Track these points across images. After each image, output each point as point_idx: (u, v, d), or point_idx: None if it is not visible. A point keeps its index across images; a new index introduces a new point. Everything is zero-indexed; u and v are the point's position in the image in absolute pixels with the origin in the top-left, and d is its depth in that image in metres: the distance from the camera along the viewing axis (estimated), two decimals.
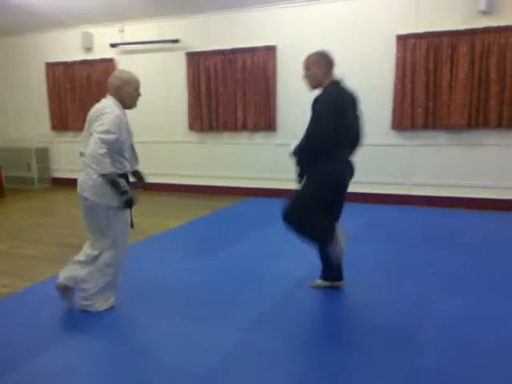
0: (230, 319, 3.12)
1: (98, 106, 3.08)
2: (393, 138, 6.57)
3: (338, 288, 3.53)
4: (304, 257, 3.95)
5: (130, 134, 3.26)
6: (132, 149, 3.45)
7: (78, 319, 3.16)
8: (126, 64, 8.13)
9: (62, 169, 9.10)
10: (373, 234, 5.22)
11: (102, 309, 3.23)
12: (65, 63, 8.55)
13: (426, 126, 6.33)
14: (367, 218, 5.92)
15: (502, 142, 6.03)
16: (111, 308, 3.28)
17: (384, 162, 6.59)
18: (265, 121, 7.23)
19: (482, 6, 5.76)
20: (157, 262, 4.34)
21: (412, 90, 6.30)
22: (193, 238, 5.36)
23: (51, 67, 8.70)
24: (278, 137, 7.27)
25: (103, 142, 2.85)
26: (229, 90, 7.35)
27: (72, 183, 10.33)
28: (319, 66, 3.28)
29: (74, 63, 8.47)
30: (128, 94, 3.12)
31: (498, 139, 6.04)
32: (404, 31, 6.24)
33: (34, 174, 8.92)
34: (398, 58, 6.33)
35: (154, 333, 2.99)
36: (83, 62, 8.39)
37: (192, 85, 7.62)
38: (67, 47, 8.52)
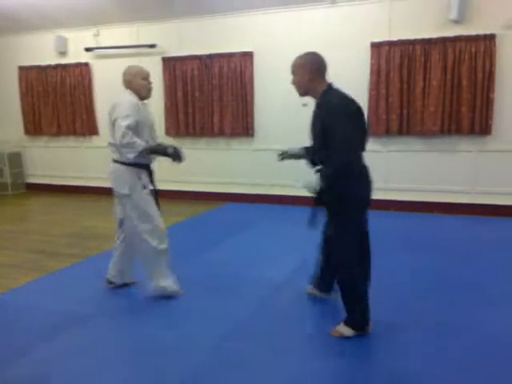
0: (206, 326, 3.12)
1: (115, 100, 3.39)
2: (368, 144, 6.63)
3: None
4: (282, 262, 3.97)
5: (148, 124, 3.48)
6: (153, 138, 3.60)
7: (51, 326, 3.12)
8: (101, 69, 8.09)
9: (36, 174, 8.95)
10: None
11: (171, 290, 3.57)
12: (38, 67, 8.41)
13: (400, 132, 6.43)
14: None
15: (474, 147, 6.16)
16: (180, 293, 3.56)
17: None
18: (242, 126, 7.24)
19: (453, 15, 5.90)
20: (133, 269, 4.29)
21: (386, 96, 6.40)
22: (170, 244, 5.31)
23: (24, 71, 8.55)
24: (255, 142, 7.30)
25: (126, 127, 3.16)
26: (205, 96, 7.35)
27: (47, 188, 10.16)
28: (305, 70, 3.03)
29: (47, 67, 8.35)
30: (139, 85, 3.36)
31: (471, 145, 6.17)
32: (378, 39, 6.35)
33: (7, 179, 8.74)
34: (372, 66, 6.43)
35: (127, 341, 2.96)
36: (57, 66, 8.28)
37: (168, 90, 7.59)
38: (41, 51, 8.39)
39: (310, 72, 2.99)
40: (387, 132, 6.48)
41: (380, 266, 3.18)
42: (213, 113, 7.38)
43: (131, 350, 2.84)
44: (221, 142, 7.54)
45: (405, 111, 6.35)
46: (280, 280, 3.87)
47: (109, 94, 8.04)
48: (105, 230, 5.79)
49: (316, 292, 3.48)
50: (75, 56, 8.17)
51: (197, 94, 7.42)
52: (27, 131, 8.82)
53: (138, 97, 3.39)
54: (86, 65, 8.11)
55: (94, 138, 8.36)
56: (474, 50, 5.93)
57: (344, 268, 2.89)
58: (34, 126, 8.70)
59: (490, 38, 5.85)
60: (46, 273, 4.22)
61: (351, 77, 6.58)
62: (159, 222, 3.47)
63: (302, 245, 4.96)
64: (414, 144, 6.48)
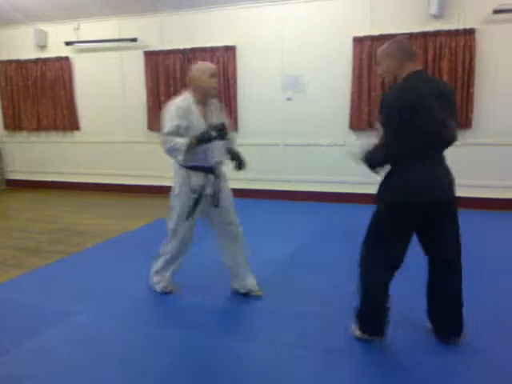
0: (185, 322, 3.14)
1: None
2: (351, 137, 6.71)
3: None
4: (259, 262, 3.91)
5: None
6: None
7: (35, 323, 3.10)
8: (82, 63, 7.99)
9: (16, 170, 8.82)
10: (327, 233, 5.33)
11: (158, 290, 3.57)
12: (18, 61, 8.27)
13: None
14: (325, 217, 6.04)
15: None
16: (164, 292, 3.54)
17: (343, 161, 6.70)
18: None
19: (434, 10, 5.96)
20: (112, 265, 4.29)
21: (369, 90, 6.45)
22: (153, 239, 5.28)
23: (3, 65, 8.39)
24: (238, 137, 7.27)
25: (166, 134, 3.12)
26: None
27: (28, 185, 10.03)
28: (393, 57, 2.62)
29: (27, 61, 8.21)
30: (204, 82, 3.20)
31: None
32: (360, 33, 6.38)
33: None
34: (354, 60, 6.46)
35: (110, 334, 2.96)
36: (37, 61, 8.15)
37: (150, 84, 7.54)
38: (20, 45, 8.24)
39: (400, 58, 2.61)
40: (370, 126, 6.53)
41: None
42: None
43: (114, 347, 2.84)
44: None
45: None
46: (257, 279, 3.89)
47: (90, 88, 7.99)
48: (88, 226, 5.75)
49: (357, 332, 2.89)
50: (55, 50, 8.04)
51: (180, 88, 7.37)
52: (6, 126, 8.68)
53: (202, 94, 3.23)
54: (67, 59, 8.00)
55: (76, 133, 8.26)
56: (454, 44, 6.00)
57: (362, 265, 2.75)
58: (13, 121, 8.56)
59: (469, 33, 5.93)
60: (29, 270, 4.18)
61: (334, 71, 6.63)
62: (181, 229, 3.37)
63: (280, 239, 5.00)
64: None
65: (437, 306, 2.77)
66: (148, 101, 7.61)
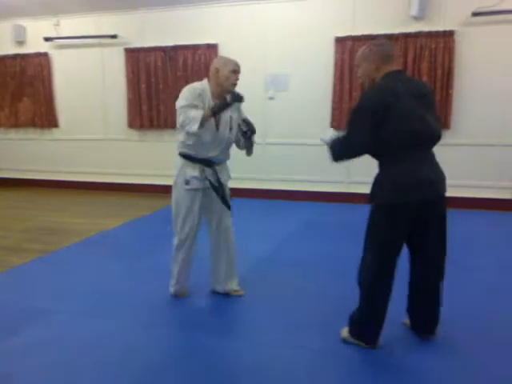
0: (168, 320, 3.13)
1: None
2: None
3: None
4: (239, 261, 3.90)
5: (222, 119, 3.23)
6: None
7: (13, 322, 3.05)
8: (61, 59, 7.88)
9: None
10: (308, 232, 5.36)
11: (171, 292, 3.46)
12: None
13: None
14: (308, 216, 6.07)
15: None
16: (179, 296, 3.43)
17: (325, 161, 6.72)
18: None
19: (414, 11, 6.03)
20: (89, 265, 4.23)
21: (350, 90, 6.49)
22: (132, 239, 5.25)
23: None
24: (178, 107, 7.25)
25: (179, 107, 3.05)
26: (170, 88, 7.26)
27: (5, 183, 9.84)
28: (369, 60, 2.63)
29: (5, 57, 8.06)
30: (224, 76, 3.11)
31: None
32: (342, 33, 6.42)
33: None
34: (336, 60, 6.50)
35: (88, 333, 2.93)
36: (15, 56, 8.00)
37: (131, 81, 7.47)
38: None
39: (376, 60, 2.65)
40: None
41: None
42: None
43: (93, 346, 2.80)
44: None
45: None
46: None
47: (69, 85, 7.88)
48: (66, 225, 5.67)
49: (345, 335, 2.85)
50: (34, 46, 7.91)
51: (161, 86, 7.33)
52: None
53: (221, 87, 3.12)
54: (46, 55, 7.88)
55: (55, 130, 8.14)
56: (433, 46, 6.08)
57: (367, 273, 2.66)
58: None
59: (449, 35, 6.02)
60: (7, 268, 4.11)
61: (316, 70, 6.66)
62: (182, 224, 3.27)
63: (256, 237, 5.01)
64: None
65: (418, 305, 2.79)
66: (128, 98, 7.54)
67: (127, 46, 7.42)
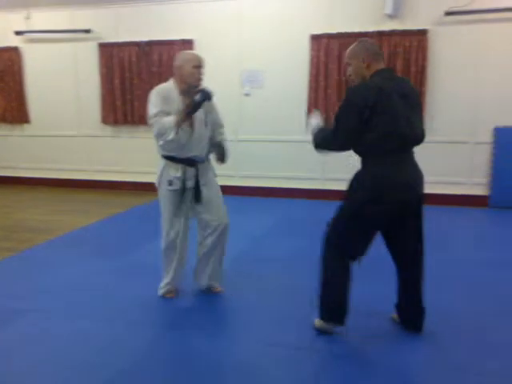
0: (146, 316, 3.09)
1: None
2: (308, 134, 6.75)
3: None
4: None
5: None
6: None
7: None
8: (33, 53, 7.71)
9: None
10: (283, 229, 5.37)
11: (160, 294, 3.37)
12: None
13: None
14: (283, 213, 6.08)
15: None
16: (166, 296, 3.34)
17: (300, 158, 6.76)
18: None
19: (389, 9, 6.10)
20: (64, 263, 4.15)
21: (325, 88, 6.53)
22: (106, 237, 5.17)
23: None
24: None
25: (151, 117, 3.04)
26: (145, 83, 7.18)
27: None
28: (360, 57, 2.68)
29: None
30: (188, 72, 3.08)
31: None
32: (317, 31, 6.45)
33: None
34: (312, 57, 6.53)
35: (63, 332, 2.88)
36: None
37: (105, 77, 7.36)
38: None
39: (368, 57, 2.71)
40: (326, 123, 6.59)
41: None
42: None
43: (68, 346, 2.75)
44: None
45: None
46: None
47: (41, 80, 7.72)
48: (38, 222, 5.56)
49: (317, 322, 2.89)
50: (4, 39, 7.72)
51: (135, 81, 7.24)
52: None
53: (185, 84, 3.09)
54: (16, 49, 7.69)
55: (26, 126, 7.96)
56: (407, 44, 6.16)
57: (325, 253, 2.75)
58: None
59: (422, 33, 6.11)
60: None
61: (292, 67, 6.68)
62: (169, 225, 3.22)
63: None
64: None
65: (404, 302, 2.84)
66: (102, 94, 7.43)
67: (101, 41, 7.31)
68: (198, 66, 3.11)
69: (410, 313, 2.85)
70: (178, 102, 3.08)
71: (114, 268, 4.01)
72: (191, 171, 3.18)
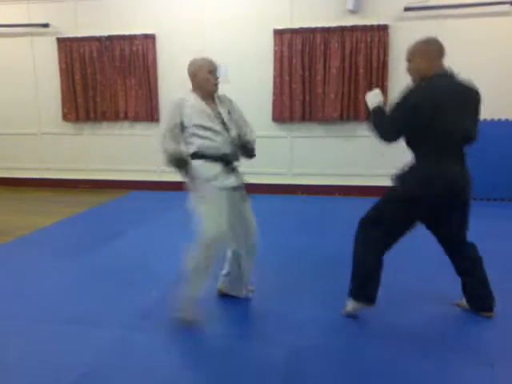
0: (109, 318, 3.05)
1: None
2: (274, 129, 6.80)
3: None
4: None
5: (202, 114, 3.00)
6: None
7: None
8: None
9: None
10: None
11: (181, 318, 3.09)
12: None
13: (303, 119, 6.63)
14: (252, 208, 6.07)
15: (371, 133, 6.51)
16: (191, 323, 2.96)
17: (267, 153, 6.76)
18: (146, 111, 7.05)
19: (350, 5, 6.18)
20: (25, 264, 4.05)
21: (290, 83, 6.55)
22: (66, 237, 5.08)
23: None
24: (160, 127, 7.12)
25: (163, 132, 3.06)
26: (107, 79, 7.05)
27: None
28: (424, 56, 2.83)
29: None
30: (203, 79, 2.98)
31: (368, 130, 6.51)
32: (280, 26, 6.47)
33: None
34: (275, 52, 6.54)
35: (29, 335, 2.82)
36: None
37: (65, 72, 7.17)
38: None
39: (432, 57, 2.93)
40: (291, 118, 6.64)
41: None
42: (115, 97, 7.10)
43: (28, 350, 2.69)
44: (124, 127, 7.27)
45: (307, 98, 6.55)
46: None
47: None
48: (1, 223, 5.42)
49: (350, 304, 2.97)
50: None
51: (98, 77, 7.09)
52: None
53: (203, 91, 2.99)
54: None
55: None
56: (369, 39, 6.25)
57: (362, 228, 2.90)
58: None
59: (383, 29, 6.21)
60: None
61: (257, 63, 6.67)
62: (215, 224, 2.94)
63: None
64: (317, 130, 6.72)
65: (467, 287, 2.95)
66: (62, 90, 7.24)
67: (60, 36, 7.11)
68: (212, 70, 3.01)
69: (477, 296, 2.94)
70: (197, 107, 2.97)
71: (74, 269, 3.92)
72: (225, 169, 3.03)
